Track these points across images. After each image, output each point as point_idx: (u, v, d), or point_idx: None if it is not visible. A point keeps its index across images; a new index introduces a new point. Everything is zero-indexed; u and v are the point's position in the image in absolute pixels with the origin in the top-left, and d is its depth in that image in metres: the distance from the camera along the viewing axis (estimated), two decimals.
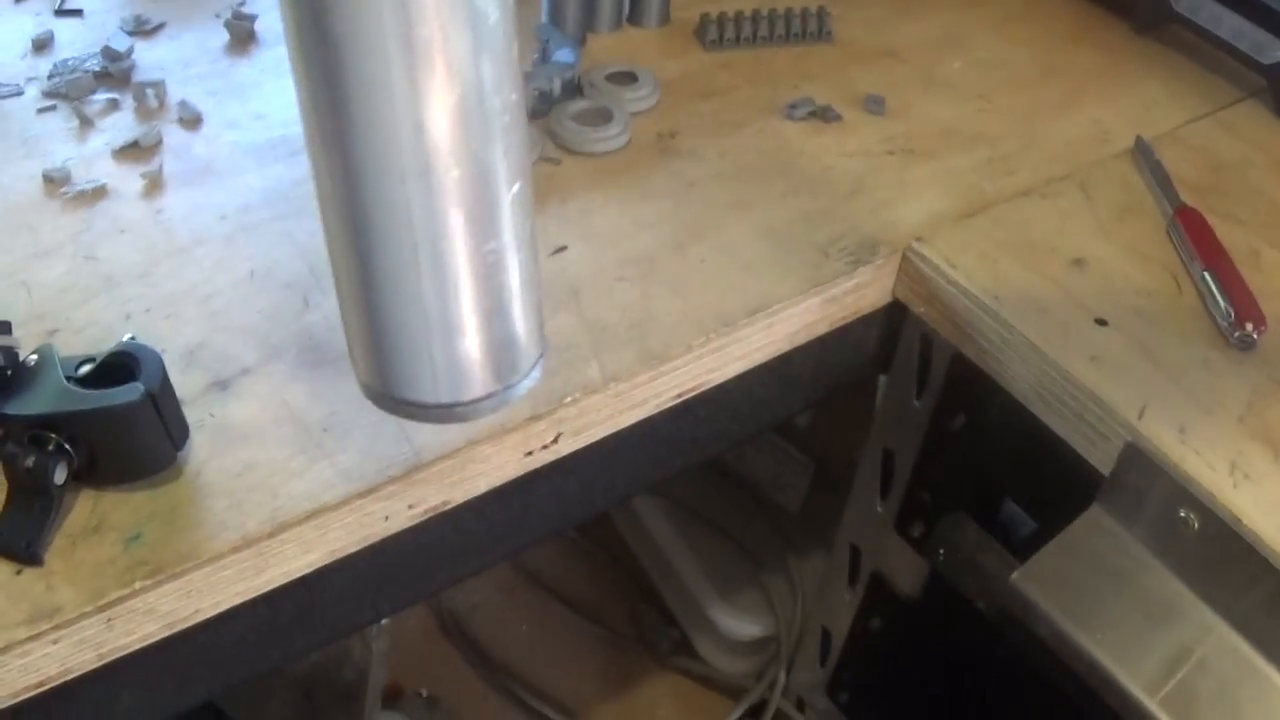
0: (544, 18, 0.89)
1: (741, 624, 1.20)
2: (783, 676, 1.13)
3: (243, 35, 0.92)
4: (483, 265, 0.48)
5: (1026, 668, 0.77)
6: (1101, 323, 0.76)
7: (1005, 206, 0.84)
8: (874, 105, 0.90)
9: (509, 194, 0.48)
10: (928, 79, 0.97)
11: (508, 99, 0.45)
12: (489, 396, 0.53)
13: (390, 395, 0.52)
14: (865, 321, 0.81)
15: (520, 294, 0.51)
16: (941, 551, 0.85)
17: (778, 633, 1.21)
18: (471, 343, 0.50)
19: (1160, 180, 0.88)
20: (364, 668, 0.97)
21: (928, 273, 0.78)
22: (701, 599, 1.22)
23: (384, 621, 0.96)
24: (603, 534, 1.40)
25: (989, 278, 0.77)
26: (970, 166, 0.87)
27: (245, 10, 0.94)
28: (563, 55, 0.86)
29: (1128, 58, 1.07)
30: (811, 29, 0.95)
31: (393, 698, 1.30)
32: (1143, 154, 0.91)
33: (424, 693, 1.32)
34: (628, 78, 0.86)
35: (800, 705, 1.12)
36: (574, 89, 0.84)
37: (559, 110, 0.82)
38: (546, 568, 1.42)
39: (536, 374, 0.54)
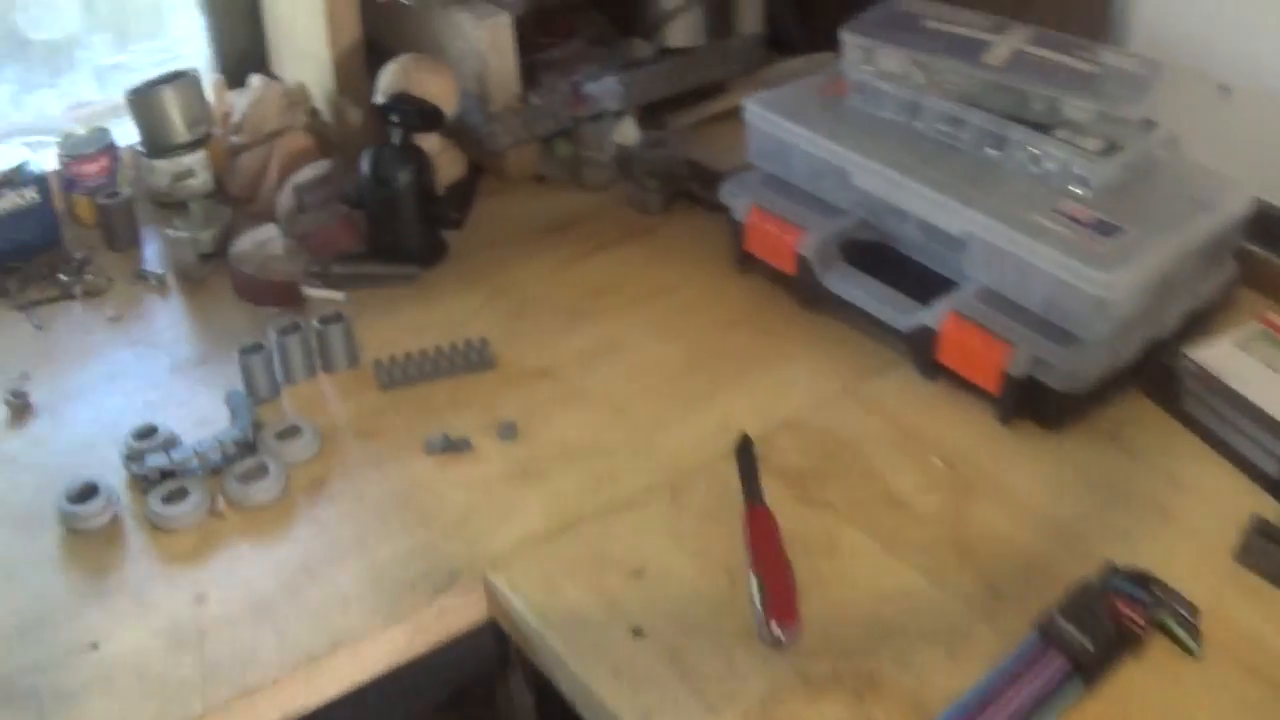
0: (239, 385, 1.08)
1: None
2: None
3: None
4: None
5: None
6: (639, 633, 0.87)
7: (593, 523, 0.96)
8: (506, 431, 1.03)
9: None
10: (572, 394, 1.09)
11: None
12: None
13: None
14: (471, 636, 0.93)
15: None
16: None
17: None
18: None
19: (749, 478, 0.99)
20: None
21: (498, 598, 0.91)
22: None
23: None
24: None
25: (543, 599, 0.89)
26: (577, 484, 0.99)
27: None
28: (240, 420, 1.04)
29: (788, 338, 1.16)
30: (474, 359, 1.10)
31: None
32: (740, 452, 1.01)
33: None
34: (293, 431, 1.03)
35: None
36: (248, 448, 1.02)
37: (229, 470, 1.00)
38: None
39: None
